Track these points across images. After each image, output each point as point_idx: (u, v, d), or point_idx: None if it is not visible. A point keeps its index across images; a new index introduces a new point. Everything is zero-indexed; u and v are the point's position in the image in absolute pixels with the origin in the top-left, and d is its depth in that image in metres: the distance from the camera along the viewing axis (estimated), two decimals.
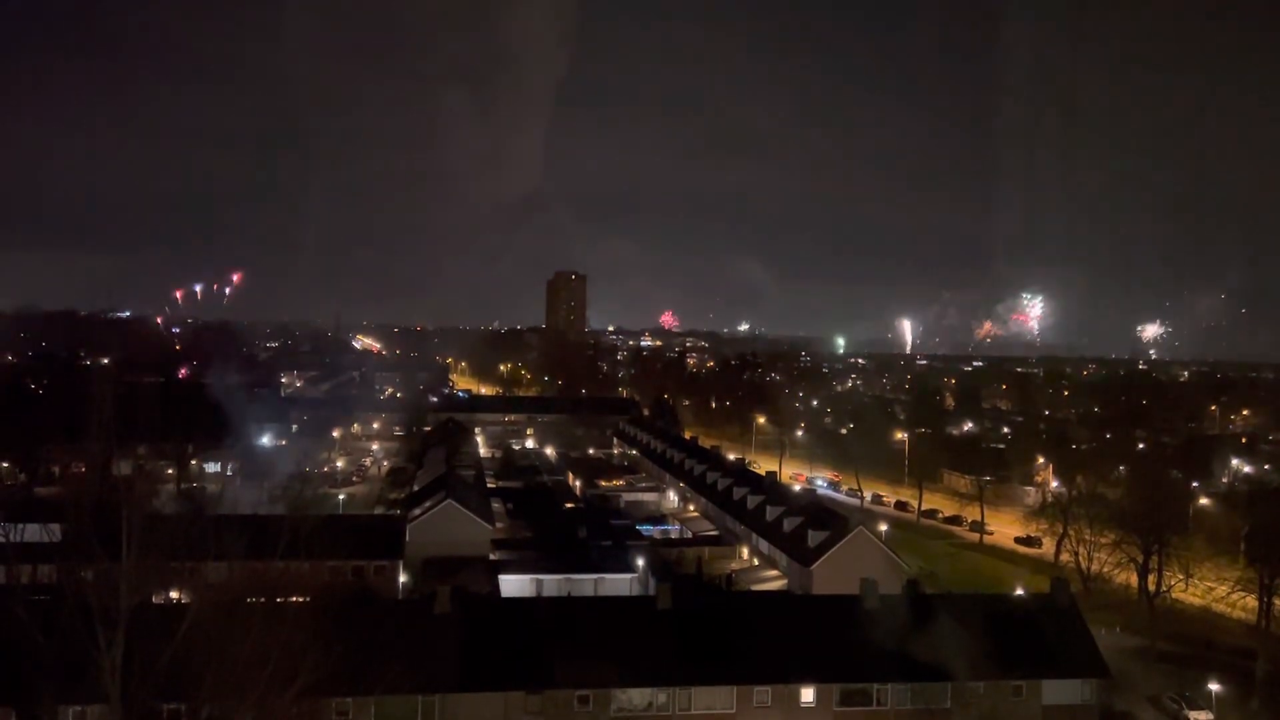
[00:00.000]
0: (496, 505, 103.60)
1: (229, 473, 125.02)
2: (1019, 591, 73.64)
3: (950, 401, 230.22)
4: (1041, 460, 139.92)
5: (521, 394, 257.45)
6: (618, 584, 78.56)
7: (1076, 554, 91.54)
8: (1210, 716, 62.18)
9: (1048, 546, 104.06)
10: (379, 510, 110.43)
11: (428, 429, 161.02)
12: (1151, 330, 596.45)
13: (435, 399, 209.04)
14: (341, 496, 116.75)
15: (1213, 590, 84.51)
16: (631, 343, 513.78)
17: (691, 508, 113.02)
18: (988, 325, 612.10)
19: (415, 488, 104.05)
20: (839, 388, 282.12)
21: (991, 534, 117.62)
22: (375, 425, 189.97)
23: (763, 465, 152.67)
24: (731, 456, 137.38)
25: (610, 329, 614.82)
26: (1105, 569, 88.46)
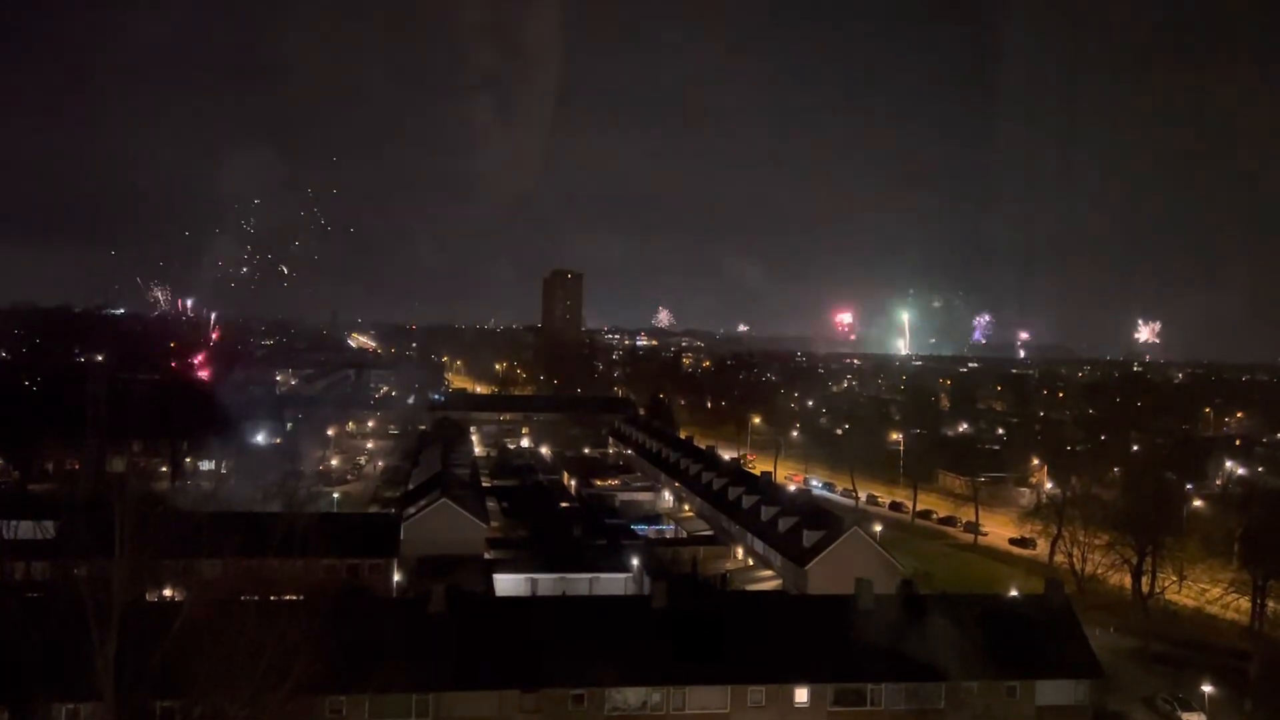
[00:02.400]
0: (491, 504, 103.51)
1: (223, 470, 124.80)
2: (1013, 592, 73.70)
3: (945, 402, 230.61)
4: (1036, 461, 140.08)
5: (517, 393, 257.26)
6: (613, 583, 78.48)
7: (1071, 555, 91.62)
8: (1204, 718, 62.34)
9: (1042, 547, 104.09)
10: (374, 508, 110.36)
11: (423, 428, 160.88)
12: (1146, 332, 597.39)
13: (431, 397, 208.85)
14: (336, 495, 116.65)
15: (1206, 592, 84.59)
16: (627, 342, 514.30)
17: (687, 507, 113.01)
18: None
19: (410, 486, 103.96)
20: (834, 388, 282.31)
21: (986, 535, 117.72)
22: (370, 424, 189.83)
23: (758, 465, 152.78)
24: (727, 456, 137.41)
25: (606, 328, 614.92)
26: (1099, 570, 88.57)
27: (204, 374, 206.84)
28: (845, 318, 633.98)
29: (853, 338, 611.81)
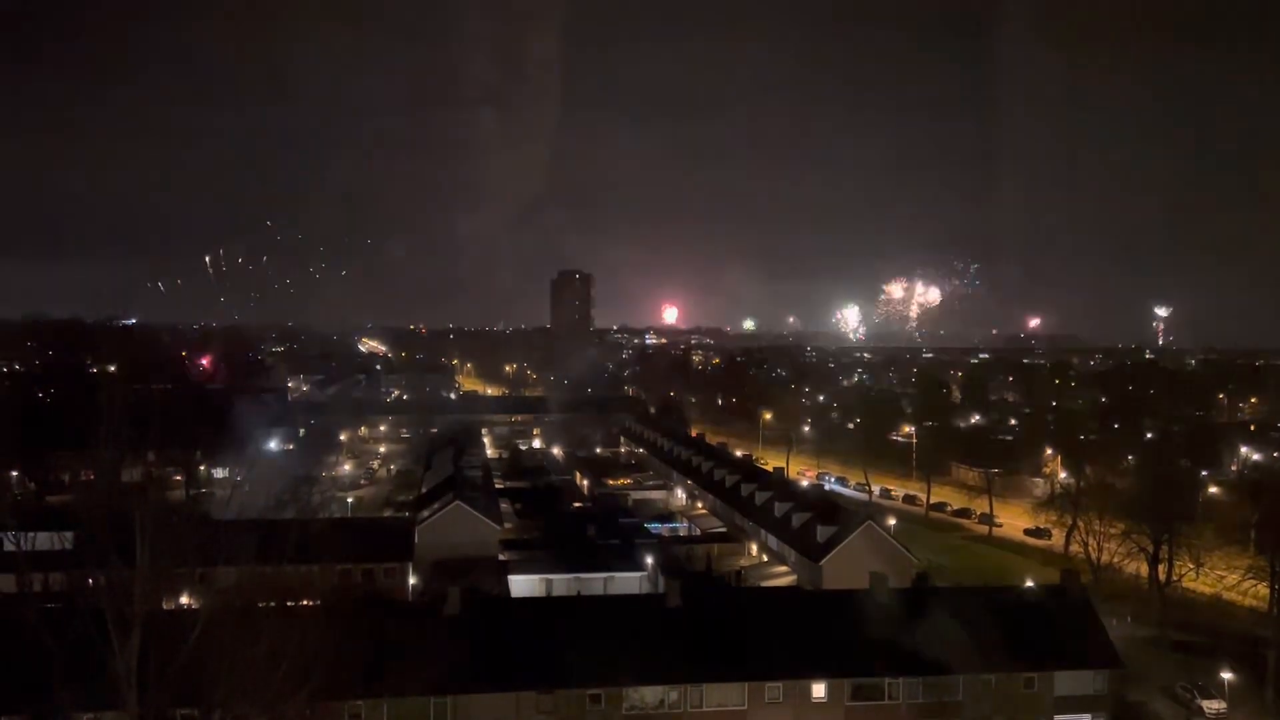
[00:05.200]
0: (504, 506, 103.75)
1: (237, 478, 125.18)
2: (1029, 583, 73.53)
3: (957, 394, 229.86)
4: (1050, 451, 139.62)
5: (527, 394, 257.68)
6: (627, 582, 78.63)
7: (1086, 545, 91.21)
8: (1223, 705, 62.11)
9: (1057, 538, 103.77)
10: (387, 513, 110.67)
11: (434, 431, 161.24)
12: (1158, 319, 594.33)
13: (442, 400, 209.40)
14: (350, 500, 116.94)
15: (1223, 579, 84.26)
16: (637, 341, 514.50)
17: (700, 505, 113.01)
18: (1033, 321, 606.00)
19: (423, 490, 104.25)
20: (845, 382, 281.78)
21: (1000, 526, 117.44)
22: (382, 428, 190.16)
23: (770, 461, 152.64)
24: (739, 453, 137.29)
25: (615, 328, 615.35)
26: (1115, 559, 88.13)
27: (216, 382, 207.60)
28: (852, 311, 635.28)
29: (862, 332, 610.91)
